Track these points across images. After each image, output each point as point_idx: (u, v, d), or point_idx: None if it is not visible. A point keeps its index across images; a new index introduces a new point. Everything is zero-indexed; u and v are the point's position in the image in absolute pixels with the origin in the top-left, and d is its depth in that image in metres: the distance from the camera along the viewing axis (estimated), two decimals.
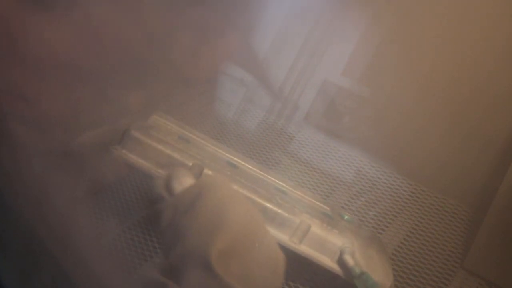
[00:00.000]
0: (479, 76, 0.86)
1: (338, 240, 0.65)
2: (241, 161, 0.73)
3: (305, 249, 0.64)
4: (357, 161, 0.95)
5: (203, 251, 0.49)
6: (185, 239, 0.52)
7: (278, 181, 0.74)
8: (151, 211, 0.59)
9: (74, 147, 0.69)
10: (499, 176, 0.81)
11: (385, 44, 0.95)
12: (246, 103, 1.04)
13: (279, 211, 0.64)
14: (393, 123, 0.94)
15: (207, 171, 0.63)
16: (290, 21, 1.04)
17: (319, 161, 0.96)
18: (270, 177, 0.73)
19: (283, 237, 0.64)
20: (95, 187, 0.77)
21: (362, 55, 0.98)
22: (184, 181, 0.58)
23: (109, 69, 0.75)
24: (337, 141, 0.99)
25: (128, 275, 0.59)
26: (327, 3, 1.02)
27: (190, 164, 0.63)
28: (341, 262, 0.64)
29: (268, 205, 0.64)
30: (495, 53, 0.84)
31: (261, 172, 0.73)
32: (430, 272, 0.76)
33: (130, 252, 0.69)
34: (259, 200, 0.64)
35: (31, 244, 0.58)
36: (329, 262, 0.64)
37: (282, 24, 1.04)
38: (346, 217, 0.76)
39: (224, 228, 0.52)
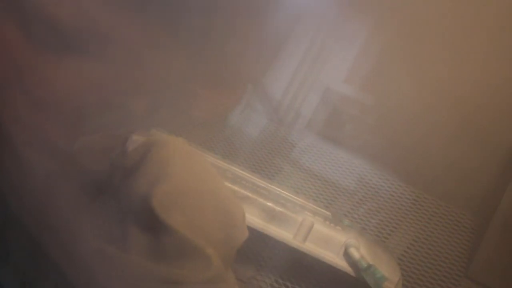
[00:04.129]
0: (484, 83, 0.85)
1: (342, 236, 0.64)
2: (244, 173, 0.73)
3: (310, 246, 0.63)
4: (359, 169, 0.95)
5: (145, 199, 0.52)
6: (131, 193, 0.54)
7: (279, 189, 0.74)
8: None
9: (73, 152, 0.70)
10: (503, 183, 0.80)
11: (388, 51, 0.95)
12: (247, 110, 1.04)
13: (281, 209, 0.64)
14: (396, 130, 0.94)
15: None
16: (291, 28, 1.05)
17: (321, 169, 0.95)
18: (271, 186, 0.73)
19: (287, 235, 0.63)
20: (95, 193, 0.78)
21: (365, 62, 0.98)
22: (136, 140, 0.60)
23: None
24: (339, 149, 0.99)
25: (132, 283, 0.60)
26: (329, 10, 1.02)
27: None
28: (346, 256, 0.63)
29: (269, 204, 0.64)
30: (502, 61, 0.83)
31: (263, 181, 0.73)
32: (434, 281, 0.76)
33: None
34: (260, 199, 0.64)
35: (34, 253, 0.58)
36: (335, 259, 0.63)
37: (284, 31, 1.04)
38: (346, 223, 0.76)
39: (166, 177, 0.53)
